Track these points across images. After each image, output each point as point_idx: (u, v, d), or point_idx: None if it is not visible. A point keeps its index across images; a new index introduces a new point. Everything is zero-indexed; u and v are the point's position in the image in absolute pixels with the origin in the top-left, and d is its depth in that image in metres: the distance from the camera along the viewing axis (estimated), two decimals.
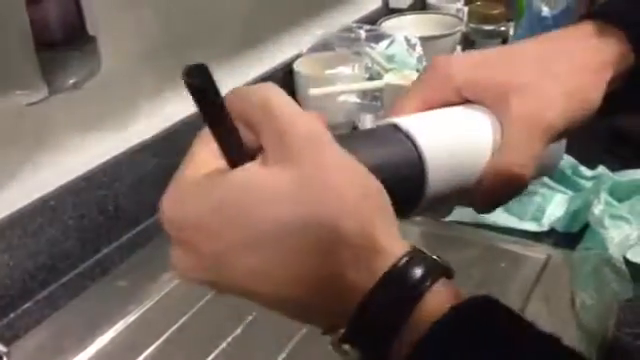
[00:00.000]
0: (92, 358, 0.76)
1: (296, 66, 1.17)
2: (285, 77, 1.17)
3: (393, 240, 0.33)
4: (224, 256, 0.32)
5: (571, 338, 0.74)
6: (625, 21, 0.46)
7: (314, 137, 0.32)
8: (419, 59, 1.20)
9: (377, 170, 0.34)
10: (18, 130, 0.80)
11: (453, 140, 0.40)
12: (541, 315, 0.78)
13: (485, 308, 0.33)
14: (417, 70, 1.16)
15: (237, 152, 0.33)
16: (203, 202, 0.32)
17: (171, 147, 0.98)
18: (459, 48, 1.40)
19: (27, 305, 0.80)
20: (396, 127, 0.38)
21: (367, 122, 1.09)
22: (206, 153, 0.34)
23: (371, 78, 1.15)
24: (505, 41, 1.36)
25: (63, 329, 0.78)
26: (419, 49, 1.21)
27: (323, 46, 1.23)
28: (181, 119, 1.02)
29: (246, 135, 0.34)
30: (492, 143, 0.41)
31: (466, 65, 0.45)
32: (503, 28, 1.37)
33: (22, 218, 0.79)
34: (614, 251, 0.78)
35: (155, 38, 0.96)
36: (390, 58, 1.17)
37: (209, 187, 0.32)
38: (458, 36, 1.38)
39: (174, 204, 0.33)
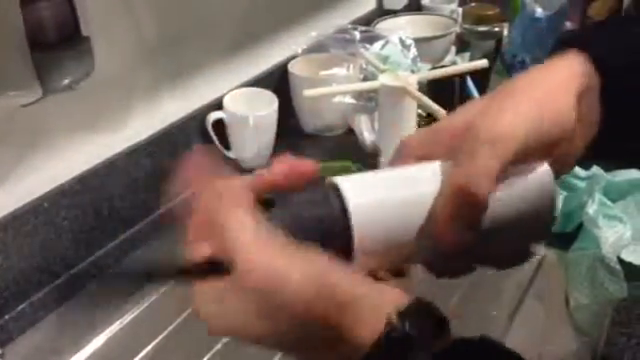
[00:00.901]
0: (88, 359, 0.76)
1: (291, 67, 1.17)
2: (280, 78, 1.17)
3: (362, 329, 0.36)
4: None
5: (565, 338, 0.75)
6: (586, 43, 0.46)
7: (268, 279, 0.37)
8: (414, 60, 1.20)
9: (302, 227, 0.39)
10: (12, 131, 0.80)
11: (389, 195, 0.40)
12: (535, 315, 0.78)
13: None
14: (412, 71, 1.16)
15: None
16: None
17: (166, 148, 0.98)
18: (454, 49, 1.41)
19: (21, 307, 0.80)
20: (334, 186, 0.40)
21: (362, 123, 1.09)
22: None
23: (366, 79, 1.16)
24: (499, 42, 1.36)
25: (58, 330, 0.78)
26: (414, 50, 1.21)
27: (318, 47, 1.23)
28: (176, 120, 1.02)
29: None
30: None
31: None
32: (497, 29, 1.38)
33: (16, 220, 0.79)
34: (608, 251, 0.78)
35: (150, 39, 0.96)
36: (385, 59, 1.17)
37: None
38: (452, 37, 1.39)
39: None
